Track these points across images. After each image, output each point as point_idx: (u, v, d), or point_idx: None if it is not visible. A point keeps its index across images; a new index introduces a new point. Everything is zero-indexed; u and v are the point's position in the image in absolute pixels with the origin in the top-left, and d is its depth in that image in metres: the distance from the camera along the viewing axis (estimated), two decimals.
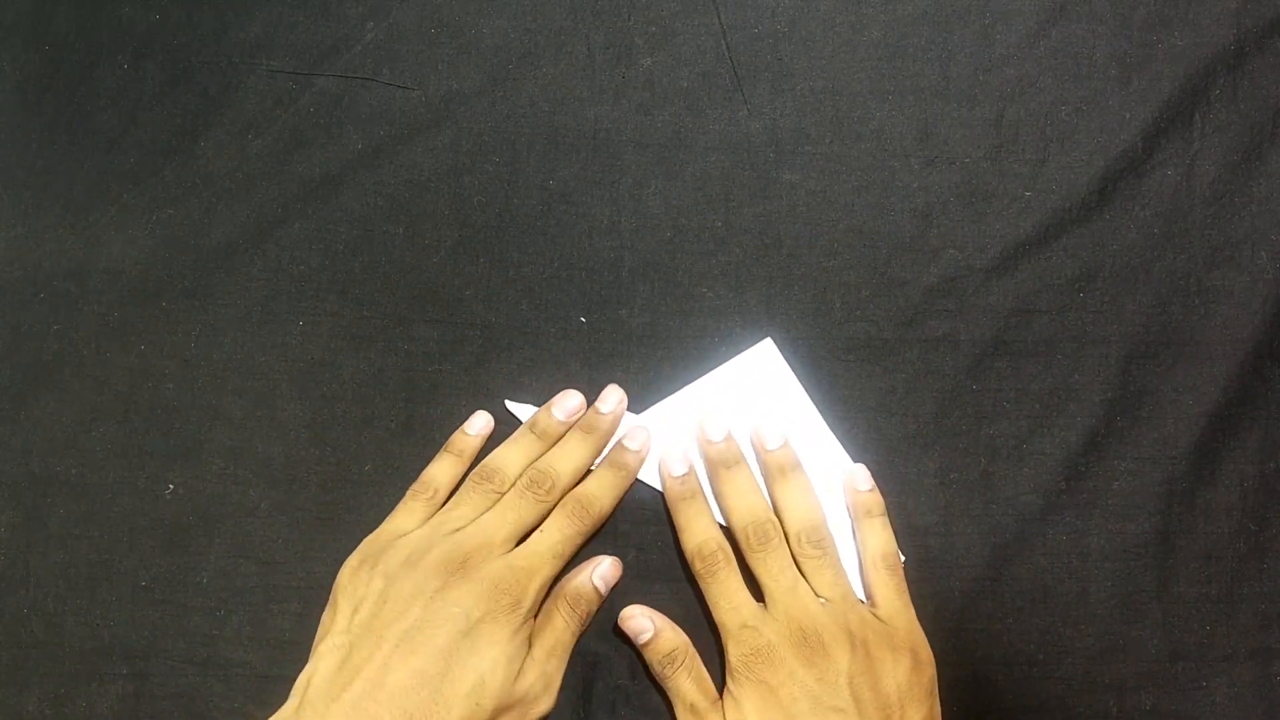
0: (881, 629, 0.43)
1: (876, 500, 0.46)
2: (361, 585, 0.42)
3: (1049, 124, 0.50)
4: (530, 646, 0.42)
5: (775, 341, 0.48)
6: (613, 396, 0.47)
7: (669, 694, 0.44)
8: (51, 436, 0.49)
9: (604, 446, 0.47)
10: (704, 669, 0.44)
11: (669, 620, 0.45)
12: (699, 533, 0.45)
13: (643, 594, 0.46)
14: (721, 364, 0.48)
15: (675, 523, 0.46)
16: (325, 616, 0.44)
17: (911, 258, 0.49)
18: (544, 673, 0.42)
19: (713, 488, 0.47)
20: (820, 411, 0.48)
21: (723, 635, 0.44)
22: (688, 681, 0.44)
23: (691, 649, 0.45)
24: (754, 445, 0.47)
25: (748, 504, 0.45)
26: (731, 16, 0.51)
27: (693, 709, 0.43)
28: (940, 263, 0.49)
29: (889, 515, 0.46)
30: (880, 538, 0.45)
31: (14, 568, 0.47)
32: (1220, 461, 0.47)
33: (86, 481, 0.48)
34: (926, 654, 0.44)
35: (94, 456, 0.48)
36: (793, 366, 0.48)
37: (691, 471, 0.46)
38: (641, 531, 0.47)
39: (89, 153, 0.52)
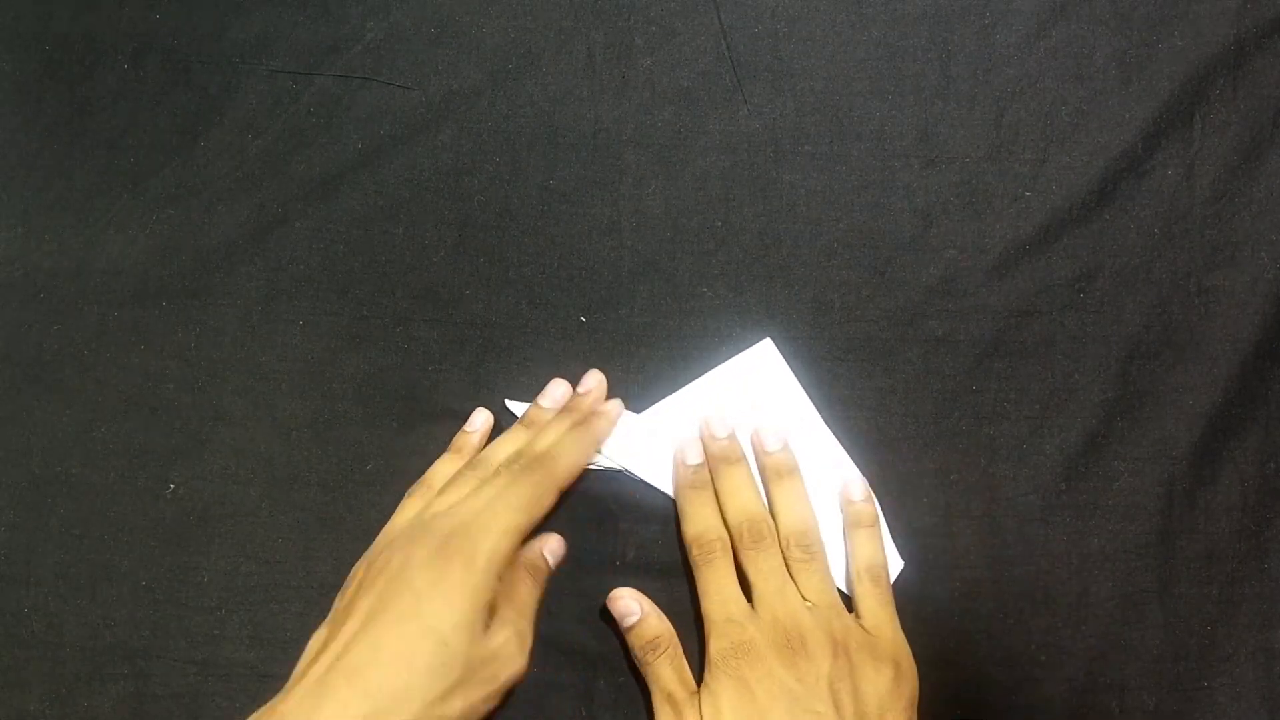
0: (865, 638, 0.43)
1: (868, 511, 0.46)
2: (352, 578, 0.43)
3: (1049, 124, 0.50)
4: (499, 609, 0.41)
5: (775, 341, 0.48)
6: (590, 379, 0.48)
7: (648, 680, 0.44)
8: (51, 436, 0.49)
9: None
10: (684, 661, 0.44)
11: (656, 607, 0.45)
12: (701, 521, 0.45)
13: (642, 592, 0.46)
14: (721, 363, 0.48)
15: (680, 509, 0.46)
16: None
17: (911, 258, 0.49)
18: (517, 631, 0.41)
19: (713, 482, 0.47)
20: (820, 411, 0.48)
21: (706, 626, 0.44)
22: (668, 670, 0.44)
23: (675, 639, 0.45)
24: (754, 446, 0.47)
25: (744, 501, 0.46)
26: (731, 16, 0.51)
27: (670, 698, 0.43)
28: (940, 263, 0.49)
29: (887, 518, 0.46)
30: (868, 549, 0.45)
31: (14, 568, 0.47)
32: (1220, 461, 0.47)
33: (86, 481, 0.48)
34: (910, 667, 0.43)
35: (94, 456, 0.48)
36: (792, 366, 0.48)
37: (705, 463, 0.47)
38: (642, 531, 0.47)
39: (89, 153, 0.52)
